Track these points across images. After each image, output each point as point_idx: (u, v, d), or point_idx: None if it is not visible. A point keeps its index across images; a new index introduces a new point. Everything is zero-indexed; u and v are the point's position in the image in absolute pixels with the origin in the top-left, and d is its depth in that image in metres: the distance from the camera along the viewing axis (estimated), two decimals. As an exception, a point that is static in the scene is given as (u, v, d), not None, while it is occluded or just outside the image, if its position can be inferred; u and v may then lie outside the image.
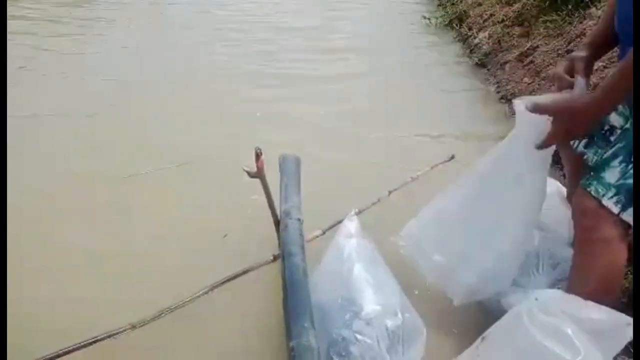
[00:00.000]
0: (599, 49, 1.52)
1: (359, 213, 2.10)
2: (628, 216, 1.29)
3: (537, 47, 3.37)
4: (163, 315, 1.67)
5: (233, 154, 2.28)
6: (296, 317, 1.40)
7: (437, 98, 3.40)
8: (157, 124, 2.94)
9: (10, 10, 4.39)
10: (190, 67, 3.76)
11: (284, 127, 2.93)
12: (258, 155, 1.74)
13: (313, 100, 3.30)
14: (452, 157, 2.57)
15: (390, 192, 2.29)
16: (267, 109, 3.12)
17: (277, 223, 1.88)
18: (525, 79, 3.23)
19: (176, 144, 2.71)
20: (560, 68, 1.50)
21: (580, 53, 1.50)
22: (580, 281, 1.37)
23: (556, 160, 2.55)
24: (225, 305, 1.75)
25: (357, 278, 1.45)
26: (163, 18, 5.09)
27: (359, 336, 1.34)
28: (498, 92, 3.40)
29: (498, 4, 4.29)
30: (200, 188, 2.37)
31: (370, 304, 1.39)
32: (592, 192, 1.32)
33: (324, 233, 1.98)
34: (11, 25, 4.07)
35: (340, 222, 1.99)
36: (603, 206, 1.30)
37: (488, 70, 3.74)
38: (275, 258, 1.83)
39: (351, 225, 1.61)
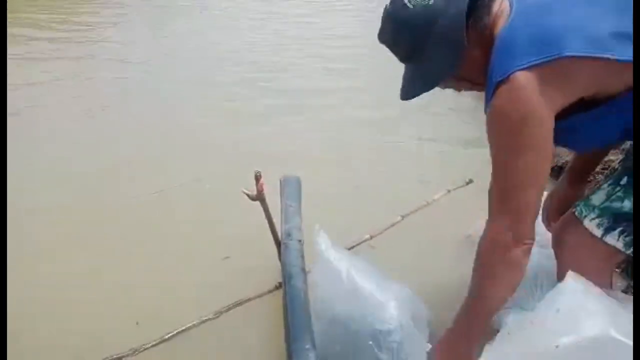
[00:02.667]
0: (580, 181, 1.59)
1: (370, 238, 2.11)
2: (612, 239, 1.24)
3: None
4: (165, 339, 1.68)
5: (235, 176, 2.30)
6: (297, 339, 1.41)
7: (445, 117, 3.44)
8: (157, 147, 2.97)
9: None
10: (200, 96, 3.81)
11: (292, 147, 2.94)
12: (258, 179, 1.76)
13: (321, 120, 3.32)
14: (470, 181, 2.49)
15: (403, 217, 2.24)
16: (271, 128, 3.16)
17: (278, 245, 1.89)
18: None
19: (176, 166, 2.75)
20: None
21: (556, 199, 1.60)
22: None
23: (556, 175, 2.58)
24: (227, 329, 1.75)
25: (357, 295, 1.45)
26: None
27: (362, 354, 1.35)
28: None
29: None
30: (203, 210, 2.38)
31: (372, 319, 1.39)
32: (576, 213, 1.29)
33: None
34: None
35: (351, 248, 2.01)
36: (585, 228, 1.26)
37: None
38: (279, 285, 1.83)
39: (323, 241, 1.56)
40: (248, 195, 1.78)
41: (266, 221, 1.85)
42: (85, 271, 1.99)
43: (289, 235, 1.83)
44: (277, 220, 1.91)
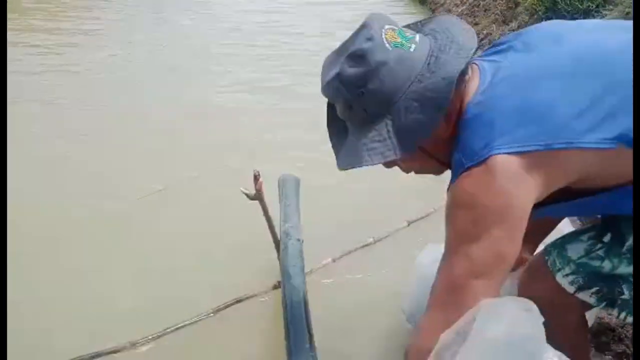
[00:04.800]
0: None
1: (374, 242, 2.09)
2: (585, 296, 1.09)
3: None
4: (164, 334, 1.69)
5: (234, 176, 2.30)
6: (296, 338, 1.41)
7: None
8: (156, 146, 2.96)
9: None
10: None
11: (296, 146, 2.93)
12: (256, 178, 1.76)
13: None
14: None
15: (409, 223, 2.19)
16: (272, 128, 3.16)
17: (277, 244, 1.89)
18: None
19: (175, 165, 2.74)
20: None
21: None
22: None
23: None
24: (225, 326, 1.76)
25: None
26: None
27: None
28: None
29: (494, 23, 4.36)
30: (202, 209, 2.38)
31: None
32: (549, 263, 1.11)
33: (334, 261, 1.98)
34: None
35: (351, 251, 2.01)
36: (557, 282, 1.10)
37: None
38: (278, 284, 1.83)
39: None
40: (247, 194, 1.78)
41: (265, 220, 1.85)
42: (85, 268, 2.00)
43: (287, 234, 1.83)
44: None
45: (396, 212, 2.26)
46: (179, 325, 1.72)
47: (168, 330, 1.70)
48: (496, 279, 0.96)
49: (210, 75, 4.12)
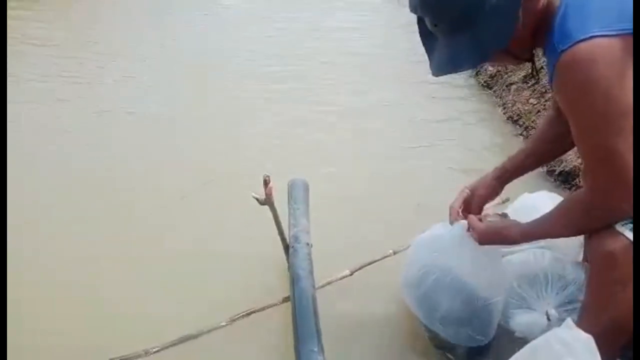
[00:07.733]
0: (507, 180, 1.64)
1: (394, 254, 2.03)
2: None
3: (542, 68, 3.38)
4: (177, 343, 1.70)
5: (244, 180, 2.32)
6: (304, 341, 1.43)
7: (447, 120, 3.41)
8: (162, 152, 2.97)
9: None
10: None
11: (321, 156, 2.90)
12: (266, 183, 1.78)
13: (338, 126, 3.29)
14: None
15: None
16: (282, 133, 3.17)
17: (286, 249, 1.91)
18: (532, 100, 3.26)
19: (183, 172, 2.75)
20: (456, 202, 1.62)
21: (481, 190, 1.62)
22: (591, 321, 1.27)
23: (564, 180, 2.58)
24: (241, 338, 1.76)
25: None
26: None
27: None
28: (505, 114, 3.43)
29: None
30: (211, 215, 2.39)
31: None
32: None
33: (352, 274, 1.95)
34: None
35: (371, 262, 1.99)
36: (618, 232, 1.19)
37: (494, 92, 3.78)
38: (287, 298, 1.81)
39: None
40: (257, 199, 1.80)
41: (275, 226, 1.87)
42: (98, 273, 2.02)
43: (297, 238, 1.85)
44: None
45: (415, 224, 2.15)
46: (194, 335, 1.72)
47: (176, 340, 1.70)
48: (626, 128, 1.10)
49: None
